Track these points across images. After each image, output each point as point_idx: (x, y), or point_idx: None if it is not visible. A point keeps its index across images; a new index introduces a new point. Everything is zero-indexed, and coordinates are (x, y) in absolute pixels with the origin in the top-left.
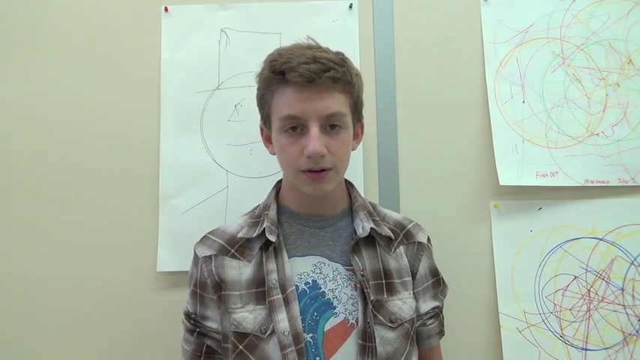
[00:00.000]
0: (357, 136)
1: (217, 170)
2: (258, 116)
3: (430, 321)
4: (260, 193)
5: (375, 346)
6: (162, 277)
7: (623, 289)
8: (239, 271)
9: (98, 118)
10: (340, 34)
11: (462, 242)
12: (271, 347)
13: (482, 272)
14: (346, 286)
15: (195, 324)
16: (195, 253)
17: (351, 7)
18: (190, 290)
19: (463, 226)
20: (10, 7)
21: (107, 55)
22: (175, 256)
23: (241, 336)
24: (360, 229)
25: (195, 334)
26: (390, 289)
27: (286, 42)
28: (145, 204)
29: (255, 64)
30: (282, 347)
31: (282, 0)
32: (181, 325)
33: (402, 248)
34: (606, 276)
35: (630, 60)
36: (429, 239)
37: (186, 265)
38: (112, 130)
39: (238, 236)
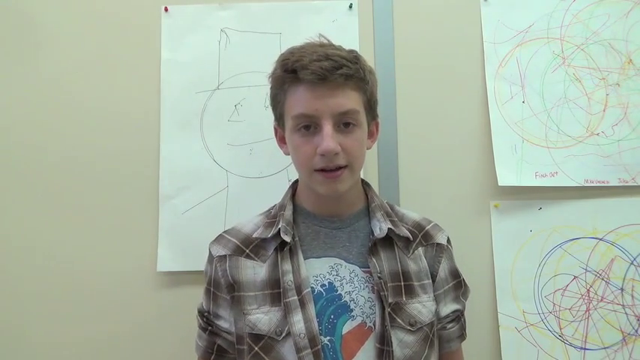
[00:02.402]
0: (372, 134)
1: (217, 170)
2: (258, 116)
3: (451, 325)
4: (260, 193)
5: (393, 350)
6: (163, 277)
7: (622, 289)
8: (253, 271)
9: (98, 118)
10: (340, 34)
11: (461, 242)
12: (287, 349)
13: (482, 272)
14: (363, 289)
15: (207, 322)
16: (210, 251)
17: (351, 7)
18: (205, 288)
19: (463, 226)
20: (10, 8)
21: (107, 55)
22: (175, 256)
23: (256, 337)
24: (378, 230)
25: (207, 332)
26: (410, 292)
27: (286, 42)
28: (145, 204)
29: (255, 64)
30: (298, 350)
31: (282, 0)
32: (182, 324)
33: (420, 250)
34: (606, 276)
35: (630, 60)
36: (449, 240)
37: (186, 265)
38: (112, 130)
39: (253, 236)
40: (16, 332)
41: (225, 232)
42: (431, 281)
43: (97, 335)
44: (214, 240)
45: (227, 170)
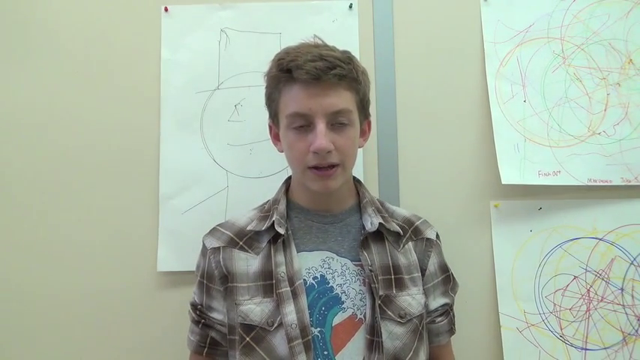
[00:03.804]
0: (365, 133)
1: (217, 170)
2: (258, 116)
3: (439, 318)
4: (260, 193)
5: (382, 341)
6: (163, 277)
7: (622, 289)
8: (247, 263)
9: (98, 118)
10: (340, 34)
11: (462, 242)
12: (278, 340)
13: (483, 272)
14: (354, 281)
15: (200, 315)
16: (203, 244)
17: (351, 7)
18: (197, 281)
19: (463, 226)
20: (9, 7)
21: (107, 55)
22: (175, 256)
23: (248, 328)
24: (369, 224)
25: (200, 325)
26: (399, 285)
27: (286, 42)
28: (145, 204)
29: (255, 64)
30: (290, 340)
31: (282, 0)
32: (182, 324)
33: (410, 244)
34: (606, 276)
35: (631, 60)
36: (437, 235)
37: (186, 264)
38: (112, 131)
39: (247, 229)
40: (15, 332)
41: (218, 225)
42: (420, 275)
43: (96, 335)
44: (208, 233)
45: (227, 170)
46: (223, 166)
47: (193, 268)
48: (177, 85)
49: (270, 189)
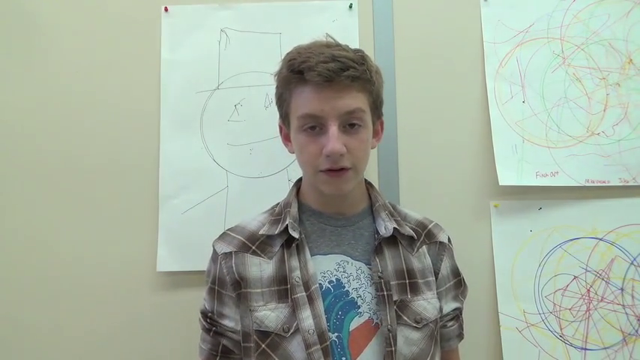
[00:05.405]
0: (377, 134)
1: (217, 170)
2: (258, 116)
3: (450, 322)
4: (260, 193)
5: (395, 350)
6: (162, 277)
7: (622, 289)
8: (260, 268)
9: (98, 118)
10: (340, 34)
11: (461, 242)
12: (294, 346)
13: (482, 272)
14: (370, 286)
15: (211, 323)
16: (214, 249)
17: (351, 7)
18: (208, 287)
19: (463, 226)
20: (10, 7)
21: (107, 55)
22: (175, 256)
23: (263, 335)
24: (383, 229)
25: (211, 333)
26: (414, 289)
27: (286, 42)
28: (145, 204)
29: (255, 64)
30: (307, 346)
31: (282, 0)
32: (181, 324)
33: (424, 248)
34: (606, 276)
35: (631, 60)
36: (449, 239)
37: (186, 265)
38: (112, 130)
39: (260, 233)
40: (15, 332)
41: (229, 229)
42: (434, 278)
43: (96, 334)
44: (218, 238)
45: (227, 170)
46: (223, 166)
47: (193, 269)
48: (177, 85)
49: (269, 189)
